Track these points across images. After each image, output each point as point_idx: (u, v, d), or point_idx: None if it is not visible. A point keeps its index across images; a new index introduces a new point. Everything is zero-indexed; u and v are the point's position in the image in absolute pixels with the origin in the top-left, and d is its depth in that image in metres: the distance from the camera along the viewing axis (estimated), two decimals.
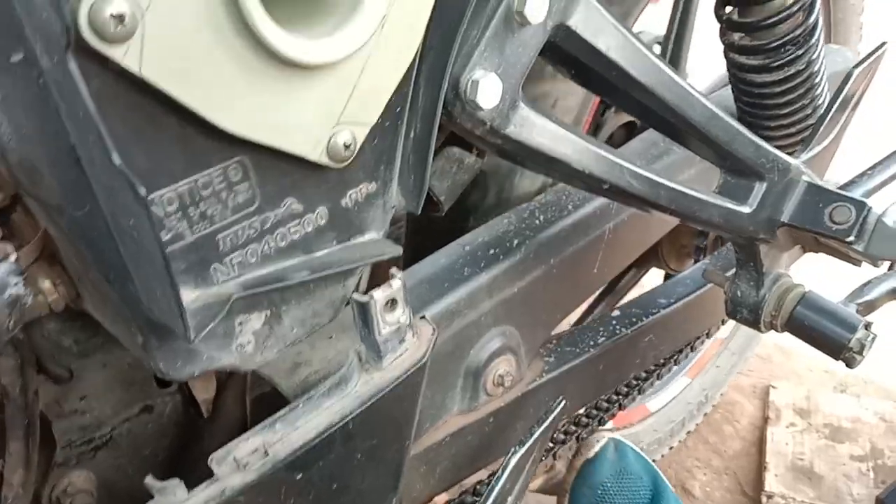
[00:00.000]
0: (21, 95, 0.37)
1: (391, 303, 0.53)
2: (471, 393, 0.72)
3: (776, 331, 0.78)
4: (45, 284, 0.50)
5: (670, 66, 0.64)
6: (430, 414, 0.69)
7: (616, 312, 0.90)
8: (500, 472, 0.70)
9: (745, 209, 0.71)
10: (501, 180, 0.83)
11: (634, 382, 1.08)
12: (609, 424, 1.14)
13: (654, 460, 1.37)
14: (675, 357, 1.10)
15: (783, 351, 1.88)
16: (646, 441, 1.50)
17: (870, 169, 0.88)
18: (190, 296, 0.45)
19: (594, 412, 1.04)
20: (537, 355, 0.81)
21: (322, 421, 0.51)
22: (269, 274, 0.49)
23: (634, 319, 0.89)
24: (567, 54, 0.59)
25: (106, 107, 0.38)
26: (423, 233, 0.79)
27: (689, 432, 1.61)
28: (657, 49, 1.30)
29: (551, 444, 1.00)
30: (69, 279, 0.50)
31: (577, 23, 0.56)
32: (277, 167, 0.47)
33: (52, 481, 0.56)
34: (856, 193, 0.80)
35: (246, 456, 0.48)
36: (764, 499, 1.49)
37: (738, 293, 0.79)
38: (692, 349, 1.06)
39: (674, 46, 1.20)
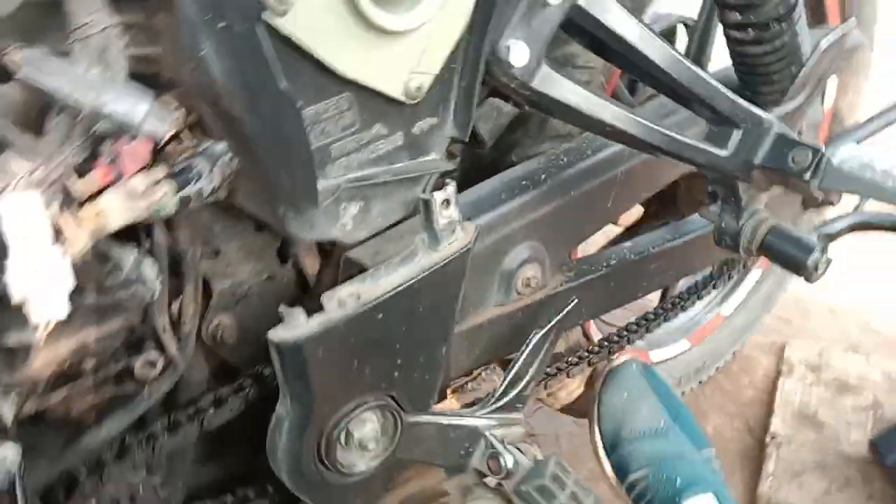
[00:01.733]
0: (224, 48, 0.60)
1: (446, 202, 0.75)
2: (504, 290, 0.92)
3: (751, 255, 0.97)
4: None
5: (664, 38, 0.84)
6: (473, 302, 0.90)
7: (628, 244, 1.10)
8: (524, 347, 0.92)
9: (724, 153, 0.90)
10: (538, 122, 1.04)
11: (643, 322, 1.28)
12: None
13: None
14: (679, 302, 1.30)
15: (803, 313, 2.02)
16: None
17: (867, 120, 1.07)
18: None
19: (604, 343, 1.24)
20: (559, 270, 1.01)
21: (396, 279, 0.72)
22: (363, 175, 0.72)
23: (642, 249, 1.08)
24: (582, 28, 0.80)
25: (274, 54, 0.61)
26: (474, 167, 1.00)
27: (682, 393, 1.70)
28: (682, 28, 1.49)
29: (566, 364, 1.21)
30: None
31: (587, 3, 0.76)
32: (371, 101, 0.70)
33: (209, 318, 0.80)
34: (850, 141, 0.97)
35: (345, 297, 0.70)
36: (768, 438, 1.65)
37: (723, 224, 0.98)
38: (714, 286, 1.27)
39: (700, 35, 1.37)
